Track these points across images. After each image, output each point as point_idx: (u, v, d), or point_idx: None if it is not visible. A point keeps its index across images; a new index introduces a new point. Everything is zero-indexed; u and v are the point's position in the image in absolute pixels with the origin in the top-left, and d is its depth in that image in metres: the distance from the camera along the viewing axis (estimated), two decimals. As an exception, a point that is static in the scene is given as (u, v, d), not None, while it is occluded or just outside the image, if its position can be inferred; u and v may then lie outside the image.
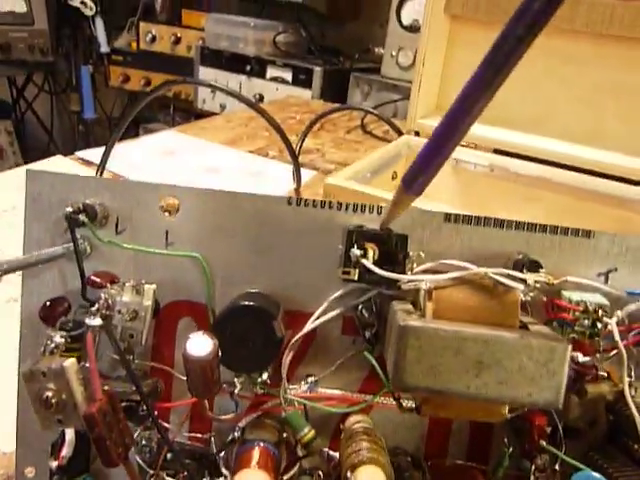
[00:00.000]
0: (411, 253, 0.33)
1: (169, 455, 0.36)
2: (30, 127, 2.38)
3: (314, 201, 0.36)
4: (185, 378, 0.31)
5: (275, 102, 1.66)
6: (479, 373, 0.26)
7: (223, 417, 0.34)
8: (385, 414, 0.37)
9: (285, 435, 0.35)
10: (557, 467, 0.34)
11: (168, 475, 0.35)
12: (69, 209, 0.32)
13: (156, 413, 0.36)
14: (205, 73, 1.98)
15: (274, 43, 1.91)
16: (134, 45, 2.17)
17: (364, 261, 0.29)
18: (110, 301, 0.33)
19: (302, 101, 1.68)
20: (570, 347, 0.26)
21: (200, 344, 0.30)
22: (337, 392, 0.36)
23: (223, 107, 1.97)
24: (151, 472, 0.35)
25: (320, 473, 0.33)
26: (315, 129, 1.29)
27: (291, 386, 0.36)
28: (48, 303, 0.32)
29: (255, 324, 0.32)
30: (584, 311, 0.32)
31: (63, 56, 2.14)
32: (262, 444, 0.33)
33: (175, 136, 1.27)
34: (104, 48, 2.14)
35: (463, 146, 0.94)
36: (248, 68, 1.89)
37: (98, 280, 0.31)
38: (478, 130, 0.95)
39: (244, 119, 1.45)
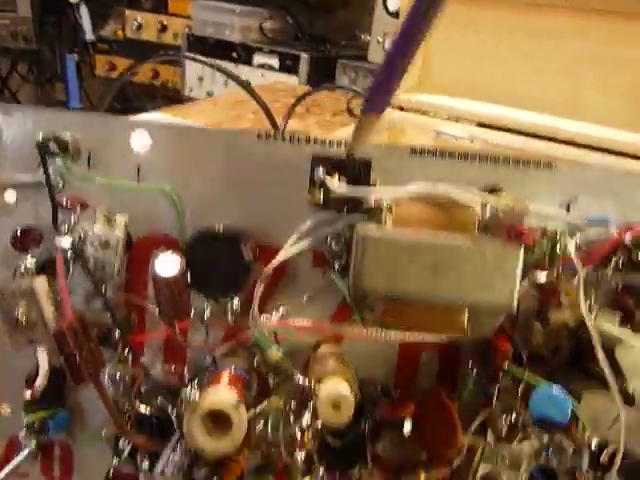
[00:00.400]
0: (377, 185, 0.34)
1: (143, 388, 0.37)
2: None
3: (282, 135, 0.36)
4: (156, 303, 0.32)
5: (262, 87, 1.66)
6: (435, 277, 0.27)
7: (194, 342, 0.35)
8: (355, 346, 0.38)
9: (256, 363, 0.35)
10: (520, 387, 0.35)
11: (142, 403, 0.36)
12: (40, 136, 0.32)
13: (127, 348, 0.37)
14: (192, 62, 1.98)
15: (260, 30, 1.91)
16: (120, 33, 2.16)
17: (328, 180, 0.30)
18: (82, 233, 0.33)
19: (289, 86, 1.68)
20: (522, 251, 0.27)
21: (168, 263, 0.30)
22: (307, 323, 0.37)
23: (210, 94, 1.97)
24: (126, 403, 0.36)
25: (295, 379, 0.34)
26: (301, 112, 1.30)
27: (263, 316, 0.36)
28: (19, 232, 0.33)
29: (224, 248, 0.33)
30: (543, 235, 0.33)
31: (48, 45, 2.13)
32: (233, 368, 0.34)
33: (160, 117, 1.27)
34: (89, 36, 2.13)
35: (445, 119, 0.95)
36: (235, 55, 1.89)
37: (67, 201, 0.32)
38: (460, 105, 0.97)
39: (230, 103, 1.46)
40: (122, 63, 2.22)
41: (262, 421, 0.32)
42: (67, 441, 0.39)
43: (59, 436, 0.39)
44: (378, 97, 0.28)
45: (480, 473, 0.33)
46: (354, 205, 0.32)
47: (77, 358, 0.29)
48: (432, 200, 0.30)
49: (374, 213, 0.32)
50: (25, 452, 0.38)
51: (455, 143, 0.92)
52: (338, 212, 0.35)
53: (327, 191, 0.31)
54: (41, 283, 0.30)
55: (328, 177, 0.31)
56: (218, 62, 1.94)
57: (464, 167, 0.36)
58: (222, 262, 0.33)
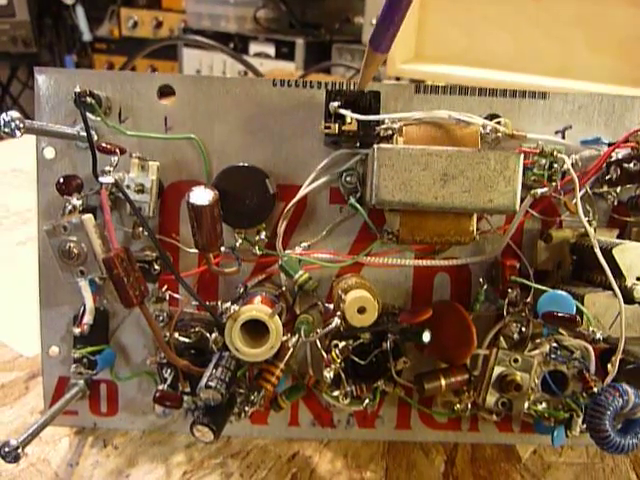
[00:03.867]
0: (388, 121, 0.37)
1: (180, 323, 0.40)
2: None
3: (296, 81, 0.39)
4: (192, 234, 0.35)
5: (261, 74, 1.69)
6: (445, 184, 0.30)
7: (227, 270, 0.38)
8: (374, 273, 0.41)
9: (284, 289, 0.38)
10: (529, 299, 0.38)
11: (180, 335, 0.39)
12: (77, 89, 0.35)
13: (165, 286, 0.40)
14: (189, 54, 2.01)
15: (255, 19, 1.94)
16: (116, 32, 2.19)
17: (342, 110, 0.33)
18: (119, 178, 0.36)
19: (287, 72, 1.71)
20: (522, 156, 0.30)
21: (202, 194, 0.34)
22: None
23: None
24: (167, 334, 0.39)
25: (319, 307, 0.37)
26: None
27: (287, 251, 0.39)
28: (62, 179, 0.36)
29: (249, 182, 0.36)
30: (541, 153, 0.36)
31: (46, 47, 2.16)
32: (264, 293, 0.37)
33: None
34: (87, 37, 2.16)
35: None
36: (231, 46, 1.91)
37: (108, 146, 0.35)
38: (456, 72, 1.00)
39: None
40: (120, 61, 2.25)
41: (294, 338, 0.35)
42: (112, 380, 0.43)
43: (105, 374, 0.42)
44: (382, 35, 0.31)
45: (495, 374, 0.36)
46: (366, 138, 0.35)
47: (125, 282, 0.32)
48: (437, 124, 0.33)
49: (385, 142, 0.35)
50: (74, 389, 0.41)
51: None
52: (351, 149, 0.38)
53: (342, 123, 0.34)
54: (89, 218, 0.33)
55: (342, 109, 0.33)
56: (215, 54, 1.96)
57: (464, 100, 0.39)
58: (248, 195, 0.36)
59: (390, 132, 0.34)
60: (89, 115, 0.38)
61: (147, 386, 0.42)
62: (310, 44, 1.88)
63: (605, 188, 0.38)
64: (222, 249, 0.38)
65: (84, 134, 0.37)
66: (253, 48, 1.92)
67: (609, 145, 0.37)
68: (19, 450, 0.33)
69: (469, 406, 0.39)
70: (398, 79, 0.98)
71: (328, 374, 0.37)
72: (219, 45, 0.87)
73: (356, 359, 0.38)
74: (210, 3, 1.91)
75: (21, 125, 0.30)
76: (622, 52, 0.94)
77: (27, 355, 0.51)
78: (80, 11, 2.11)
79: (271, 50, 1.89)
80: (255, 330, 0.35)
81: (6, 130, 0.30)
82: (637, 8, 0.94)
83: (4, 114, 0.30)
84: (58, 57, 2.17)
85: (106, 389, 0.43)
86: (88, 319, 0.38)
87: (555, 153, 0.36)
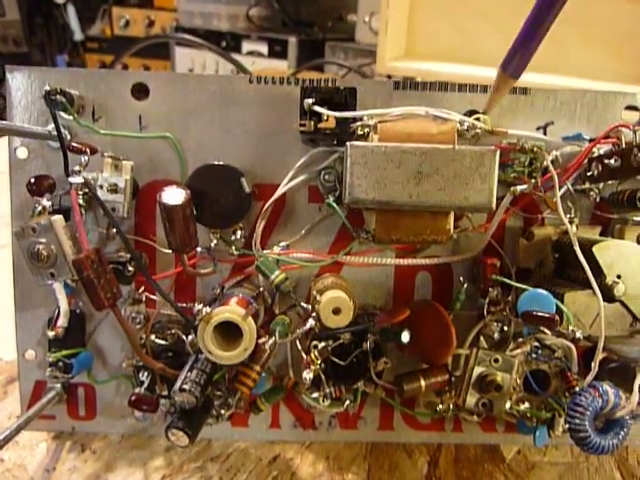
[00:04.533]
0: (365, 118, 0.36)
1: (157, 325, 0.40)
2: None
3: (273, 78, 0.39)
4: (165, 235, 0.34)
5: (253, 72, 1.68)
6: (420, 182, 0.29)
7: (202, 271, 0.37)
8: (354, 273, 0.40)
9: (262, 289, 0.38)
10: (510, 298, 0.37)
11: (157, 338, 0.38)
12: (47, 88, 0.34)
13: (142, 287, 0.40)
14: (181, 53, 2.00)
15: (247, 17, 1.92)
16: (108, 31, 2.18)
17: (316, 107, 0.33)
18: (91, 178, 0.36)
19: (280, 71, 1.70)
20: (498, 153, 0.29)
21: (174, 194, 0.33)
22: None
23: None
24: (143, 337, 0.38)
25: (298, 309, 0.36)
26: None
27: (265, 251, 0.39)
28: (33, 180, 0.35)
29: (224, 181, 0.35)
30: (521, 150, 0.35)
31: (37, 46, 2.15)
32: (240, 294, 0.36)
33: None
34: (78, 36, 2.15)
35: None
36: (224, 44, 1.90)
37: (78, 146, 0.34)
38: (447, 69, 0.99)
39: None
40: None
41: (271, 340, 0.35)
42: (90, 384, 0.42)
43: (82, 378, 0.41)
44: (518, 61, 0.30)
45: (475, 374, 0.35)
46: (343, 135, 0.34)
47: (96, 284, 0.32)
48: (413, 121, 0.33)
49: (361, 140, 0.34)
50: (51, 394, 0.40)
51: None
52: (329, 147, 0.37)
53: (318, 121, 0.34)
54: (58, 219, 0.33)
55: (317, 106, 0.33)
56: (207, 53, 1.95)
57: (444, 97, 0.38)
58: (223, 194, 0.35)
59: (367, 130, 0.34)
60: (62, 114, 0.37)
61: (125, 389, 0.42)
62: (303, 42, 1.87)
63: (587, 185, 0.38)
64: (198, 250, 0.37)
65: (56, 134, 0.36)
66: (246, 47, 1.90)
67: (590, 141, 0.36)
68: (-10, 456, 0.32)
69: (451, 407, 0.39)
70: (389, 77, 0.97)
71: (307, 375, 0.36)
72: (206, 43, 0.87)
73: (336, 360, 0.37)
74: (202, 1, 1.90)
75: (-14, 125, 0.30)
76: (615, 49, 0.93)
77: (6, 359, 0.50)
78: (71, 10, 2.10)
79: (264, 48, 1.88)
80: (231, 332, 0.34)
81: (-29, 130, 0.29)
82: (631, 4, 0.93)
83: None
84: (49, 57, 2.15)
85: (84, 393, 0.42)
86: (62, 322, 0.38)
87: (535, 149, 0.35)
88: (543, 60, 1.05)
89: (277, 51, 1.89)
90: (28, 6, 2.06)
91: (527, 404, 0.38)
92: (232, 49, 1.93)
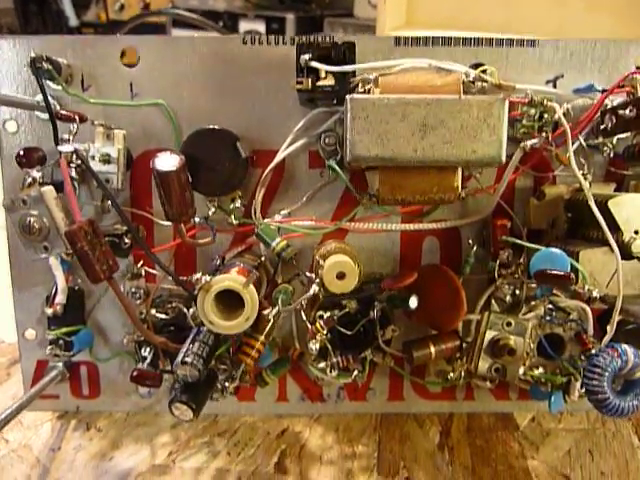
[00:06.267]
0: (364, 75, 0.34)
1: (157, 299, 0.39)
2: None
3: (268, 38, 0.37)
4: (161, 205, 0.33)
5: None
6: (425, 135, 0.28)
7: (200, 241, 0.36)
8: (359, 240, 0.39)
9: (263, 259, 0.36)
10: (522, 260, 0.36)
11: (158, 312, 0.37)
12: (32, 55, 0.33)
13: (141, 262, 0.39)
14: (178, 35, 1.97)
15: (243, -4, 1.89)
16: (103, 16, 2.14)
17: (313, 63, 0.31)
18: (83, 150, 0.34)
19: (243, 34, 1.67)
20: (507, 102, 0.28)
21: (167, 160, 0.31)
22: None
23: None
24: (144, 311, 0.37)
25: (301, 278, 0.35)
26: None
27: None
28: (22, 152, 0.34)
29: (219, 145, 0.34)
30: (530, 103, 0.34)
31: (33, 34, 2.11)
32: (241, 264, 0.35)
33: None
34: (73, 22, 2.11)
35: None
36: (220, 24, 1.87)
37: (67, 113, 0.33)
38: (455, 35, 0.96)
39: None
40: (109, 46, 2.20)
41: (274, 310, 0.34)
42: (92, 362, 0.41)
43: (85, 356, 0.40)
44: None
45: (487, 338, 0.34)
46: (342, 92, 0.33)
47: (91, 257, 0.30)
48: (416, 73, 0.31)
49: (362, 96, 0.33)
50: (53, 372, 0.40)
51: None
52: (329, 107, 0.36)
53: (316, 79, 0.32)
54: (49, 190, 0.31)
55: (315, 62, 0.31)
56: (205, 34, 1.92)
57: (448, 51, 0.36)
58: (219, 160, 0.34)
59: (368, 86, 0.32)
60: (50, 84, 0.36)
61: (128, 366, 0.41)
62: (301, 19, 1.83)
63: (600, 139, 0.36)
64: (196, 220, 0.36)
65: (44, 104, 0.34)
66: (243, 26, 1.87)
67: (603, 92, 0.35)
68: (-10, 436, 0.32)
69: (463, 374, 0.38)
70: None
71: (314, 346, 0.35)
72: (202, 19, 0.84)
73: (342, 329, 0.36)
74: (197, -19, 1.86)
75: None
76: (619, 9, 0.90)
77: (8, 341, 0.50)
78: (65, -5, 2.06)
79: (261, 27, 1.84)
80: (233, 303, 0.33)
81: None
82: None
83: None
84: (45, 44, 2.12)
85: (87, 371, 0.41)
86: (60, 299, 0.37)
87: (545, 102, 0.33)
88: (546, 23, 1.02)
89: (275, 29, 1.85)
90: (21, -7, 2.03)
91: (541, 369, 0.36)
92: (229, 29, 1.90)
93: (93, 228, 0.31)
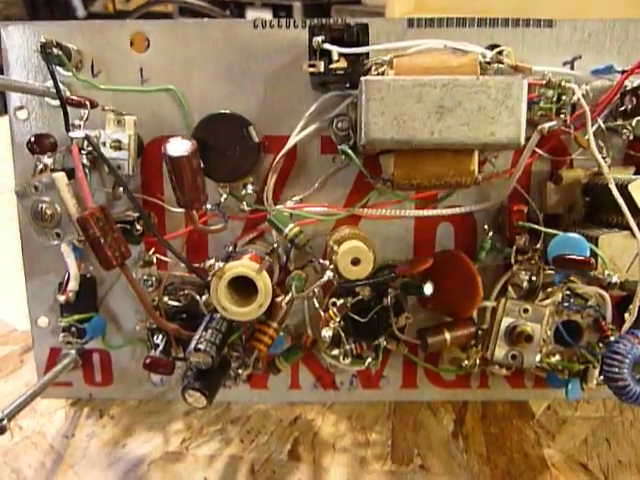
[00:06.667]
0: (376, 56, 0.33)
1: (170, 287, 0.38)
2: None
3: (279, 22, 0.36)
4: (173, 191, 0.33)
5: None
6: (441, 117, 0.27)
7: (212, 227, 0.35)
8: (372, 227, 0.38)
9: (276, 246, 0.36)
10: (539, 246, 0.35)
11: (171, 300, 0.37)
12: (42, 40, 0.32)
13: (153, 249, 0.38)
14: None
15: (251, -16, 1.87)
16: (110, 7, 2.14)
17: (326, 45, 0.30)
18: (94, 136, 0.34)
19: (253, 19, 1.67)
20: (526, 82, 0.27)
21: (179, 145, 0.31)
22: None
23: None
24: (156, 299, 0.37)
25: (314, 265, 0.35)
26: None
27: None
28: (33, 138, 0.34)
29: (230, 130, 0.33)
30: (548, 84, 0.33)
31: (41, 25, 2.12)
32: (254, 251, 0.34)
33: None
34: (80, 12, 2.11)
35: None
36: (227, 13, 1.86)
37: (77, 99, 0.32)
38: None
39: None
40: (116, 37, 2.20)
41: (287, 297, 0.33)
42: (105, 349, 0.41)
43: (97, 344, 0.40)
44: None
45: (504, 325, 0.33)
46: (355, 75, 0.32)
47: (102, 243, 0.30)
48: (431, 54, 0.30)
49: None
50: (66, 360, 0.40)
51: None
52: (341, 90, 0.35)
53: (329, 62, 0.31)
54: (60, 176, 0.31)
55: (328, 44, 0.30)
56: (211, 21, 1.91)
57: (462, 32, 0.35)
58: (230, 145, 0.34)
59: (382, 69, 0.31)
60: (60, 70, 0.35)
61: (141, 354, 0.41)
62: (308, 7, 1.82)
63: (620, 122, 0.35)
64: (208, 207, 0.36)
65: (54, 90, 0.34)
66: (250, 14, 1.86)
67: (622, 73, 0.34)
68: (4, 422, 0.32)
69: (477, 362, 0.37)
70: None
71: (327, 333, 0.35)
72: (209, 6, 0.84)
73: (356, 317, 0.36)
74: (203, -31, 1.85)
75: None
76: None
77: (21, 329, 0.50)
78: (72, -14, 2.06)
79: (268, 15, 1.83)
80: (245, 290, 0.33)
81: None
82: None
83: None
84: (53, 35, 2.13)
85: (99, 358, 0.41)
86: (73, 286, 0.37)
87: (563, 84, 0.32)
88: (561, 6, 1.00)
89: (282, 17, 1.84)
90: (28, -17, 2.03)
91: (558, 356, 0.36)
92: (236, 17, 1.89)
93: (105, 214, 0.31)
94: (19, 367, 0.46)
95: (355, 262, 0.30)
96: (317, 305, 0.36)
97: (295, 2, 1.75)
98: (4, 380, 0.44)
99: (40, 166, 0.32)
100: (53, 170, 0.32)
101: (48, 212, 0.31)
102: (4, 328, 0.50)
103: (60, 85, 0.34)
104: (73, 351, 0.40)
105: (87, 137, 0.31)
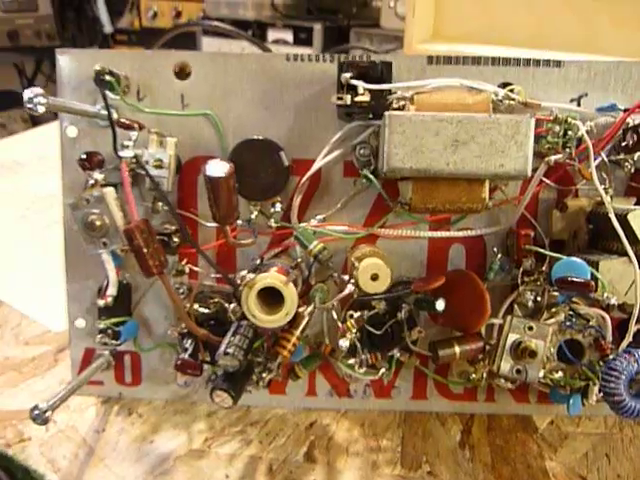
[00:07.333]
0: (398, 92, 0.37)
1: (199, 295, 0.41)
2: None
3: (309, 56, 0.40)
4: (209, 206, 0.36)
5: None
6: (456, 149, 0.30)
7: (243, 241, 0.38)
8: (388, 245, 0.41)
9: (300, 259, 0.39)
10: (544, 268, 0.38)
11: (201, 307, 0.40)
12: (97, 68, 0.36)
13: (185, 259, 0.42)
14: (207, 43, 2.02)
15: (273, 6, 1.93)
16: (137, 23, 2.21)
17: (353, 81, 0.33)
18: (138, 152, 0.38)
19: (287, 53, 1.72)
20: (533, 121, 0.30)
21: (218, 167, 0.34)
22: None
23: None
24: (187, 306, 0.40)
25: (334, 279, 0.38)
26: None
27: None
28: (84, 155, 0.37)
29: (264, 154, 0.37)
30: (555, 120, 0.36)
31: (69, 40, 2.20)
32: (280, 264, 0.37)
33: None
34: (108, 28, 2.19)
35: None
36: (250, 33, 1.92)
37: (127, 122, 0.36)
38: (476, 50, 0.98)
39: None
40: (141, 53, 2.27)
41: (309, 307, 0.36)
42: (135, 351, 0.44)
43: (129, 346, 0.43)
44: None
45: (510, 341, 0.36)
46: (378, 108, 0.35)
47: (145, 252, 0.33)
48: (448, 92, 0.33)
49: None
50: (100, 360, 0.43)
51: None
52: (364, 121, 0.38)
53: (354, 95, 0.35)
54: (110, 191, 0.34)
55: (355, 80, 0.34)
56: (233, 42, 1.97)
57: (478, 70, 0.39)
58: (263, 168, 0.37)
59: (402, 102, 0.35)
60: (108, 94, 0.39)
61: (169, 357, 0.44)
62: (328, 29, 1.87)
63: (622, 155, 0.38)
64: (239, 222, 0.39)
65: (104, 112, 0.38)
66: (271, 35, 1.92)
67: (625, 111, 0.37)
68: (48, 413, 0.35)
69: (484, 375, 0.40)
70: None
71: (344, 343, 0.38)
72: (238, 30, 0.88)
73: (371, 329, 0.39)
74: (228, -9, 1.91)
75: (44, 101, 0.31)
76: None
77: (55, 330, 0.53)
78: (101, 3, 2.14)
79: (289, 36, 1.88)
80: (271, 300, 0.36)
81: (29, 106, 0.31)
82: (663, -20, 0.91)
83: (27, 90, 0.31)
84: (81, 49, 2.20)
85: (130, 360, 0.45)
86: (112, 291, 0.40)
87: (569, 120, 0.35)
88: (572, 38, 1.03)
89: (302, 38, 1.90)
90: (60, 1, 2.11)
91: (561, 373, 0.38)
92: (258, 38, 1.95)
93: (147, 227, 0.35)
94: (53, 365, 0.49)
95: (374, 277, 0.33)
96: (335, 317, 0.39)
97: (315, 25, 1.80)
98: (40, 377, 0.47)
99: (91, 181, 0.36)
100: (103, 185, 0.36)
101: (97, 223, 0.34)
102: (39, 329, 0.53)
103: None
104: (107, 352, 0.43)
105: (136, 157, 0.35)
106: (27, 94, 0.31)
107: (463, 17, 1.01)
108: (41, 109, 0.31)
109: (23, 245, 0.70)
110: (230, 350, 0.35)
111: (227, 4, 1.93)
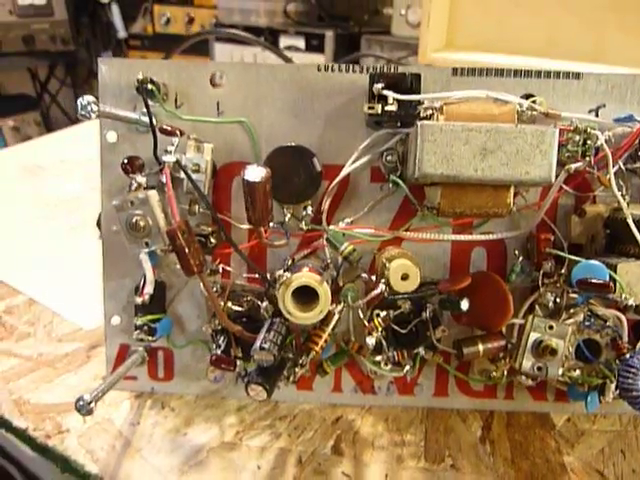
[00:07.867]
0: (426, 102, 0.39)
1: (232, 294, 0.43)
2: (56, 117, 2.49)
3: (339, 66, 0.42)
4: (245, 209, 0.38)
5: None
6: (484, 157, 0.32)
7: (276, 242, 0.40)
8: (413, 248, 0.43)
9: (329, 260, 0.41)
10: (563, 271, 0.40)
11: (234, 305, 0.42)
12: (139, 77, 0.38)
13: (218, 259, 0.43)
14: (220, 49, 2.05)
15: (285, 13, 1.96)
16: (150, 29, 2.25)
17: (385, 91, 0.35)
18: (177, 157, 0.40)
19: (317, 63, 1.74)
20: (557, 131, 0.32)
21: (256, 172, 0.36)
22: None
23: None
24: (221, 304, 0.42)
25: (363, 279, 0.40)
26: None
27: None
28: (126, 160, 0.39)
29: (298, 160, 0.39)
30: (575, 130, 0.38)
31: (83, 45, 2.24)
32: (311, 264, 0.39)
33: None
34: (122, 34, 2.23)
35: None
36: (262, 40, 1.95)
37: (169, 128, 0.38)
38: (489, 59, 1.00)
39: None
40: (153, 57, 2.30)
41: (339, 306, 0.38)
42: (168, 348, 0.46)
43: (162, 342, 0.45)
44: None
45: (531, 339, 0.38)
46: (407, 117, 0.37)
47: (187, 252, 0.35)
48: (475, 103, 0.35)
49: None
50: (135, 355, 0.45)
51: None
52: (392, 129, 0.40)
53: (384, 104, 0.37)
54: (153, 193, 0.36)
55: (386, 91, 0.36)
56: (245, 49, 2.00)
57: (501, 82, 0.41)
58: (296, 173, 0.39)
59: (430, 112, 0.36)
60: (149, 101, 0.41)
61: (200, 353, 0.46)
62: (339, 36, 1.90)
63: (638, 164, 0.40)
64: (271, 224, 0.41)
65: (144, 118, 0.40)
66: (283, 41, 1.94)
67: (642, 122, 0.38)
68: (92, 404, 0.36)
69: (505, 373, 0.41)
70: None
71: (370, 341, 0.40)
72: (253, 37, 0.90)
73: (397, 328, 0.40)
74: (241, -2, 1.94)
75: (95, 109, 0.34)
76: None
77: (86, 328, 0.55)
78: (115, 9, 2.17)
79: (301, 43, 1.91)
80: (303, 299, 0.37)
81: (83, 113, 0.33)
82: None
83: (81, 98, 0.33)
84: (94, 54, 2.24)
85: (163, 356, 0.46)
86: (149, 289, 0.42)
87: (589, 130, 0.37)
88: (583, 47, 1.05)
89: (314, 45, 1.92)
90: (75, 6, 2.15)
91: (579, 371, 0.40)
92: (270, 44, 1.97)
93: (188, 228, 0.37)
94: (86, 361, 0.51)
95: (404, 277, 0.35)
96: (361, 316, 0.41)
97: (327, 32, 1.83)
98: (74, 372, 0.49)
99: (134, 184, 0.38)
100: (145, 188, 0.38)
101: (141, 224, 0.37)
102: (71, 327, 0.56)
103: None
104: (141, 348, 0.45)
105: (178, 161, 0.37)
106: (80, 102, 0.33)
107: (475, 27, 1.03)
108: (93, 116, 0.34)
109: (50, 246, 0.72)
110: (266, 345, 0.37)
111: (240, 11, 1.96)
